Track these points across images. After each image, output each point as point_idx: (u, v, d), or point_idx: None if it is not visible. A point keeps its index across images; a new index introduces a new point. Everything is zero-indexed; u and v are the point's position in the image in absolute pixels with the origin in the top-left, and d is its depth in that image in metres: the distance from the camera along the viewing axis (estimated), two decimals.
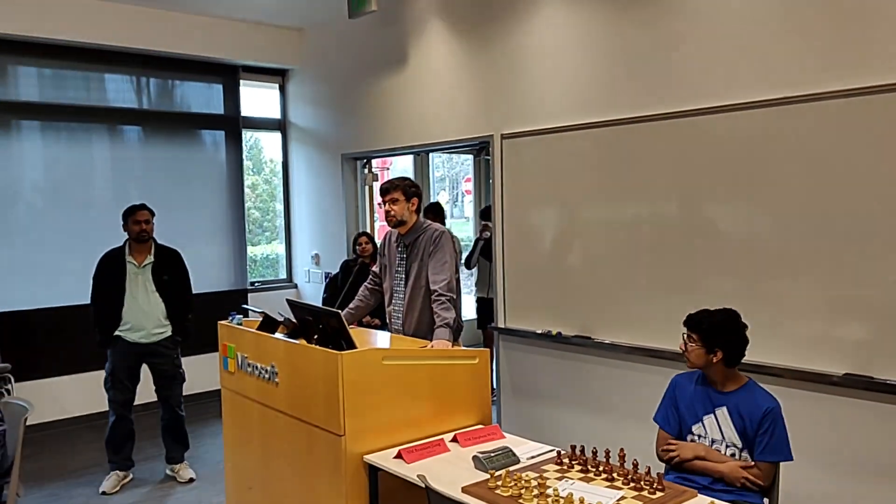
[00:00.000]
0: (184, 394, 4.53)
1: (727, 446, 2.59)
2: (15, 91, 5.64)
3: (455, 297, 3.53)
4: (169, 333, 4.37)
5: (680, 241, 3.80)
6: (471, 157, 8.33)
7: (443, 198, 11.08)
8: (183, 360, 4.51)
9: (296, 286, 7.12)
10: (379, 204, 3.75)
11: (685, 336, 2.66)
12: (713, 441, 2.63)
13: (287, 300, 3.23)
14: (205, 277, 5.86)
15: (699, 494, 2.22)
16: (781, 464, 2.59)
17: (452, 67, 5.15)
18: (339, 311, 2.82)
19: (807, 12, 3.26)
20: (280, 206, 7.31)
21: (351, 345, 2.74)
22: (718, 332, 2.59)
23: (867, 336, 3.13)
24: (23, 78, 5.69)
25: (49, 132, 5.78)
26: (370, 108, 5.96)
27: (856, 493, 3.20)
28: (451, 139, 5.23)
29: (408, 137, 5.61)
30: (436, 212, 6.09)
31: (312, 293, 6.82)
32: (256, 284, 6.96)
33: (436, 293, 3.46)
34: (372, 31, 5.81)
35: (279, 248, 7.41)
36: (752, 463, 2.54)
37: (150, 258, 4.34)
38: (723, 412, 2.62)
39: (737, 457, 2.57)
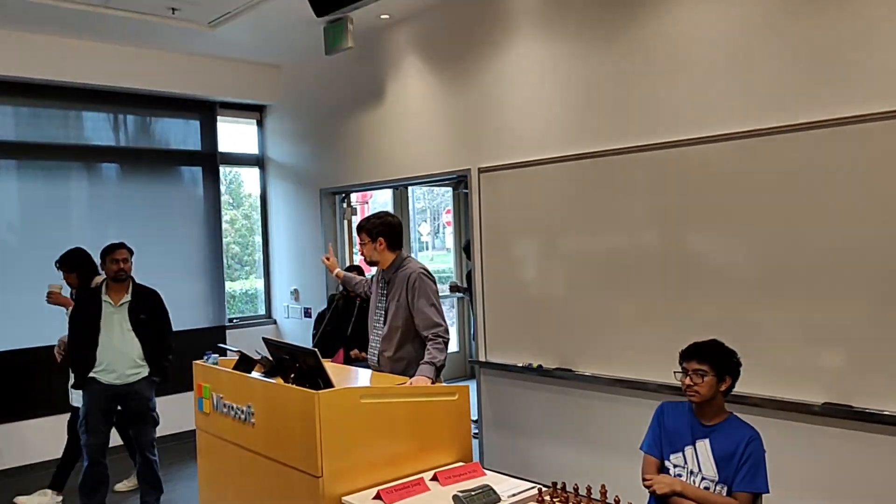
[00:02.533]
0: (158, 435, 4.44)
1: (702, 479, 2.58)
2: None
3: (449, 339, 3.51)
4: (144, 374, 4.28)
5: (657, 272, 3.82)
6: (449, 188, 8.37)
7: (424, 229, 11.08)
8: (158, 399, 4.43)
9: (275, 322, 7.04)
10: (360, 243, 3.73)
11: (688, 370, 2.62)
12: (691, 472, 2.61)
13: (263, 338, 3.19)
14: (182, 315, 5.77)
15: None
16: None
17: (429, 102, 5.19)
18: (316, 350, 2.78)
19: (778, 44, 3.33)
20: (259, 240, 7.28)
21: (328, 383, 2.70)
22: (726, 359, 2.62)
23: (845, 365, 3.14)
24: None
25: (25, 171, 5.73)
26: (348, 143, 5.98)
27: None
28: (429, 173, 5.25)
29: (386, 171, 5.63)
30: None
31: (292, 329, 6.76)
32: (235, 321, 6.88)
33: (432, 335, 3.45)
34: (349, 68, 5.85)
35: (258, 283, 7.35)
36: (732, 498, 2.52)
37: (128, 297, 4.28)
38: (704, 444, 2.61)
39: (711, 490, 2.56)
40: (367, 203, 8.94)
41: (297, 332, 6.63)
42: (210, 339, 5.94)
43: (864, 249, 3.07)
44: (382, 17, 5.26)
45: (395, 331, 3.56)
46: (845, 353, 3.14)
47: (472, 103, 4.85)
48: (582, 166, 4.16)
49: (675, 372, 2.68)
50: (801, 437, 3.27)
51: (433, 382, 3.27)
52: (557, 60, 4.30)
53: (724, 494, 2.54)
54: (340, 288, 5.47)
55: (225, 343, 6.22)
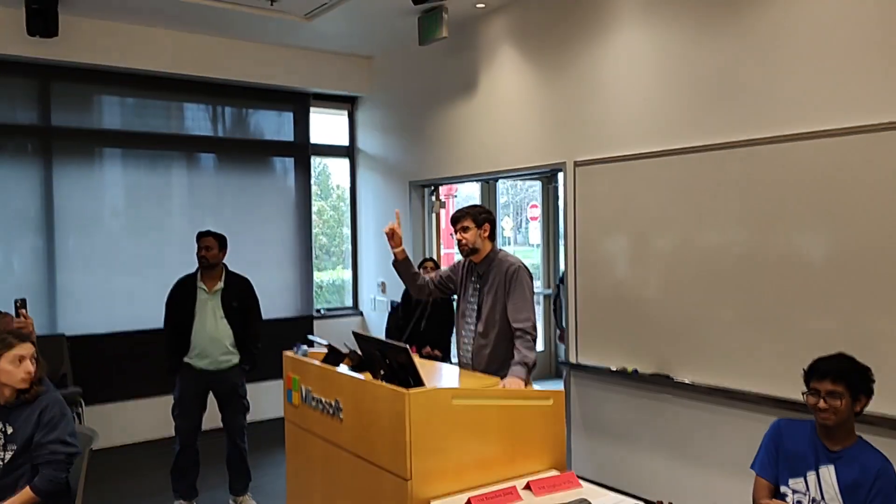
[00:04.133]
0: (248, 422, 4.49)
1: None
2: (99, 119, 5.83)
3: (537, 336, 3.36)
4: (236, 361, 4.34)
5: (764, 274, 3.55)
6: (535, 182, 8.17)
7: (507, 224, 10.92)
8: (248, 386, 4.48)
9: (361, 314, 7.07)
10: (451, 234, 3.62)
11: (821, 392, 2.38)
12: (813, 500, 2.37)
13: (353, 332, 3.13)
14: (271, 304, 5.86)
15: None
16: None
17: (524, 94, 5.04)
18: (408, 347, 2.69)
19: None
20: (347, 231, 7.32)
21: (419, 382, 2.61)
22: (861, 377, 2.37)
23: None
24: (106, 107, 5.89)
25: (129, 159, 5.94)
26: (439, 135, 5.90)
27: None
28: (521, 166, 5.10)
29: (477, 165, 5.51)
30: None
31: (378, 322, 6.75)
32: (322, 311, 6.94)
33: (520, 331, 3.30)
34: (441, 58, 5.76)
35: (345, 273, 7.40)
36: None
37: (221, 284, 4.33)
38: (829, 470, 2.36)
39: None
40: (454, 196, 8.86)
41: (383, 324, 6.61)
42: (298, 329, 6.01)
43: None
44: (478, 6, 5.14)
45: (493, 325, 3.43)
46: None
47: (567, 95, 4.66)
48: (683, 161, 3.92)
49: (803, 392, 2.43)
50: None
51: (526, 383, 3.13)
52: (658, 51, 4.06)
53: None
54: None
55: (312, 333, 6.27)
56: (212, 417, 4.49)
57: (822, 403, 2.36)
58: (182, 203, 6.16)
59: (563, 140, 4.71)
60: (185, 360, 4.26)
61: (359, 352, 3.10)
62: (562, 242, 4.80)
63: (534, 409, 2.80)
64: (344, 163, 7.22)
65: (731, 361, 3.70)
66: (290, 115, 6.74)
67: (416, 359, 2.77)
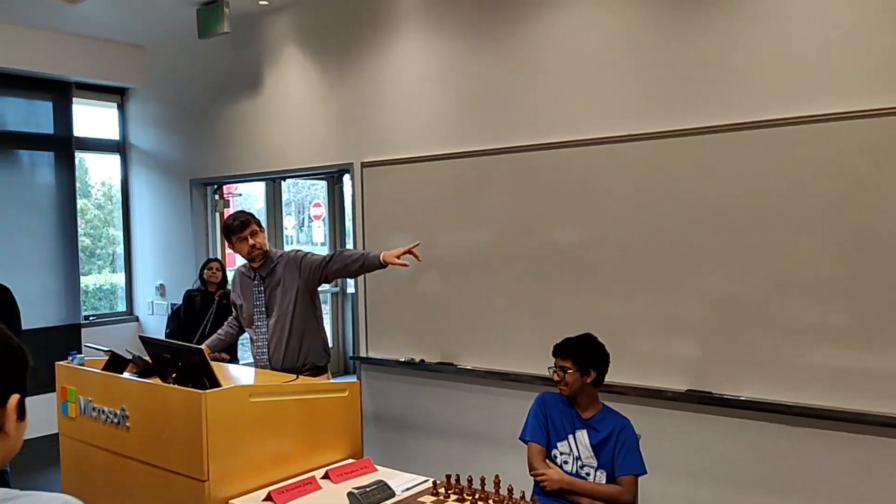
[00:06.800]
0: None
1: (583, 465, 2.73)
2: None
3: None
4: None
5: (529, 266, 3.98)
6: (319, 182, 8.24)
7: (289, 223, 10.83)
8: None
9: (137, 319, 6.63)
10: (231, 245, 3.57)
11: (557, 366, 2.78)
12: (577, 458, 2.75)
13: (140, 337, 3.01)
14: (32, 312, 5.30)
15: None
16: (639, 478, 2.76)
17: (310, 94, 5.09)
18: (202, 347, 2.66)
19: (643, 60, 3.57)
20: (115, 233, 6.81)
21: (215, 383, 2.59)
22: (589, 353, 2.76)
23: (701, 353, 3.42)
24: None
25: None
26: (222, 133, 5.74)
27: (703, 499, 3.47)
28: (309, 165, 5.15)
29: (263, 163, 5.45)
30: None
31: (156, 326, 6.39)
32: (92, 318, 6.41)
33: (336, 254, 3.57)
34: (224, 53, 5.61)
35: (114, 277, 6.88)
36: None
37: None
38: (583, 434, 2.77)
39: (591, 476, 2.72)
40: (236, 195, 8.60)
41: (163, 329, 6.27)
42: (65, 338, 5.52)
43: (707, 238, 3.36)
44: (261, 3, 5.09)
45: (287, 312, 3.51)
46: (699, 342, 3.42)
47: (354, 97, 4.81)
48: (458, 164, 4.25)
49: (548, 367, 2.83)
50: (667, 422, 3.53)
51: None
52: (437, 59, 4.36)
53: (605, 481, 2.70)
54: (197, 284, 5.26)
55: (81, 341, 5.78)
56: None
57: (555, 376, 2.80)
58: None
59: (350, 141, 4.84)
60: None
61: (145, 357, 2.98)
62: (349, 240, 4.93)
63: (330, 401, 2.90)
64: (113, 158, 6.70)
65: (505, 346, 4.09)
66: (50, 104, 6.12)
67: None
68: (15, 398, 1.16)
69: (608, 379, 2.84)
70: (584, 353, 2.77)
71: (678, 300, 3.47)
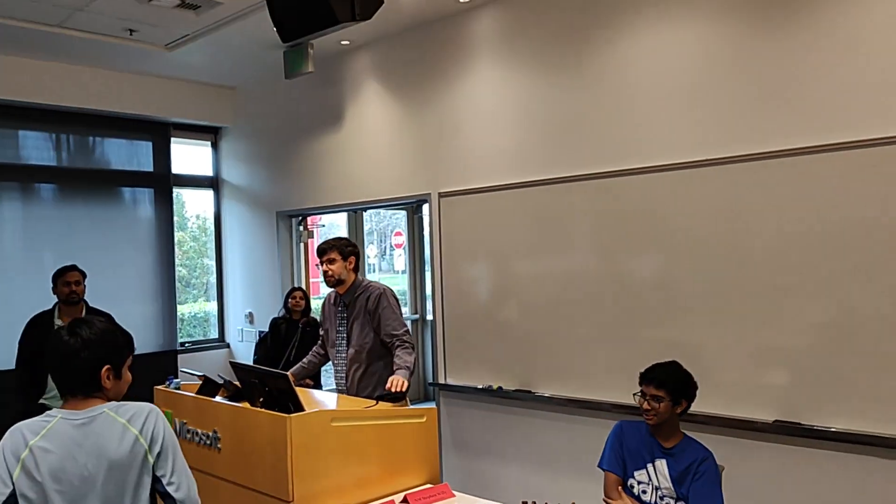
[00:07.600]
0: None
1: (662, 496, 2.69)
2: None
3: (414, 343, 3.62)
4: None
5: (610, 294, 3.95)
6: (400, 211, 8.44)
7: (371, 251, 11.09)
8: None
9: (228, 346, 6.94)
10: (316, 265, 3.80)
11: (645, 395, 2.73)
12: (656, 488, 2.71)
13: (230, 362, 3.18)
14: (134, 339, 5.62)
15: None
16: None
17: (389, 127, 5.26)
18: (287, 373, 2.79)
19: (727, 82, 3.53)
20: (209, 263, 7.17)
21: (299, 407, 2.71)
22: (682, 383, 2.72)
23: (790, 383, 3.31)
24: None
25: None
26: (306, 166, 5.99)
27: None
28: (388, 196, 5.30)
29: (344, 195, 5.66)
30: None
31: (246, 353, 6.66)
32: (187, 345, 6.76)
33: (398, 340, 3.58)
34: (307, 91, 5.88)
35: (208, 306, 7.23)
36: None
37: None
38: (662, 463, 2.72)
39: None
40: (321, 226, 8.91)
41: (251, 355, 6.54)
42: (162, 364, 5.83)
43: (804, 268, 3.25)
44: (343, 42, 5.32)
45: (363, 349, 3.64)
46: (791, 372, 3.31)
47: (431, 129, 4.94)
48: (537, 192, 4.28)
49: (634, 394, 2.79)
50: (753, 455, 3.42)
51: (408, 385, 3.32)
52: (512, 87, 4.44)
53: None
54: (282, 312, 5.48)
55: (177, 367, 6.10)
56: None
57: (645, 405, 2.73)
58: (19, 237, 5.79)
59: (428, 172, 4.97)
60: (42, 401, 4.06)
61: (235, 382, 3.14)
62: (428, 269, 5.03)
63: (408, 427, 2.97)
64: (206, 193, 7.10)
65: (584, 374, 4.06)
66: (150, 144, 6.56)
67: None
68: (106, 367, 1.97)
69: (691, 408, 2.79)
70: (677, 383, 2.71)
71: (767, 328, 3.36)
